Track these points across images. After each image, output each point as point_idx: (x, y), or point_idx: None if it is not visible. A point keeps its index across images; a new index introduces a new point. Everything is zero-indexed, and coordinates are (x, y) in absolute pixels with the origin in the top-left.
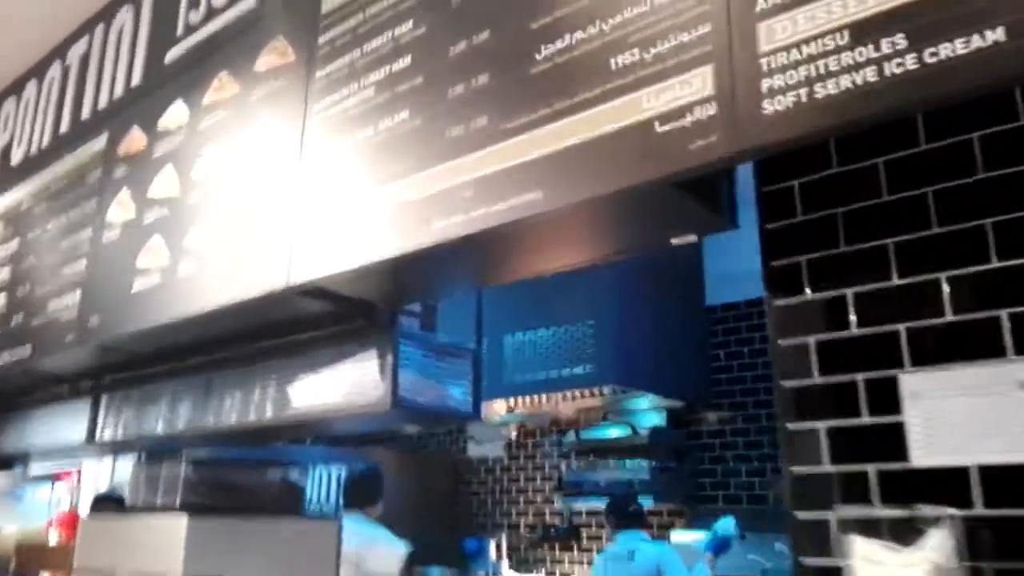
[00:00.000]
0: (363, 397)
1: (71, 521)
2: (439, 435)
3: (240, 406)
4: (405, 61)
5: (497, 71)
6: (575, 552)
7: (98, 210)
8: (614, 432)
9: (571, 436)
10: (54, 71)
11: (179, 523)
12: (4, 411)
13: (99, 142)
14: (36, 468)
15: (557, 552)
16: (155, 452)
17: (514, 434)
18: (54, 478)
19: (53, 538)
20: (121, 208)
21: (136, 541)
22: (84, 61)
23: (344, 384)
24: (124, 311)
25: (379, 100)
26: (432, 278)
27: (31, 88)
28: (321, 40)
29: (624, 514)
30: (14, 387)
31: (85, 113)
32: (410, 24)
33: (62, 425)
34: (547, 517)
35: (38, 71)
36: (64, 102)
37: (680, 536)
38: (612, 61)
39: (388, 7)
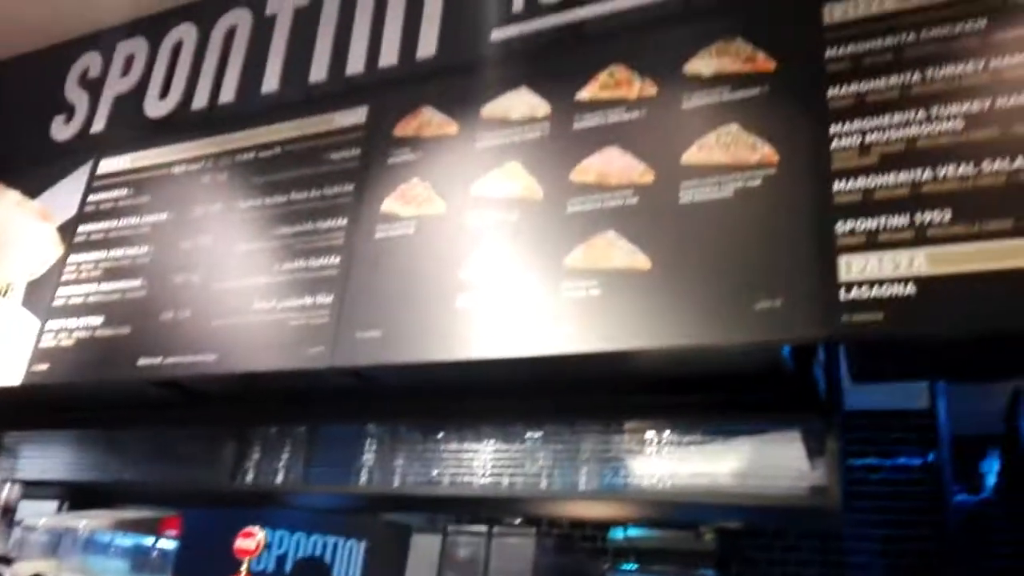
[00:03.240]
0: (780, 482)
1: None
2: None
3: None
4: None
5: None
6: None
7: (359, 198)
8: None
9: None
10: (275, 6)
11: None
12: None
13: (350, 115)
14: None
15: None
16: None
17: None
18: (157, 528)
19: None
20: (409, 200)
21: None
22: (314, 6)
23: (743, 462)
24: (435, 330)
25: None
26: None
27: (202, 24)
28: (831, 53)
29: None
30: (122, 399)
31: (316, 75)
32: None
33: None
34: None
35: (231, 1)
36: (268, 55)
37: None
38: None
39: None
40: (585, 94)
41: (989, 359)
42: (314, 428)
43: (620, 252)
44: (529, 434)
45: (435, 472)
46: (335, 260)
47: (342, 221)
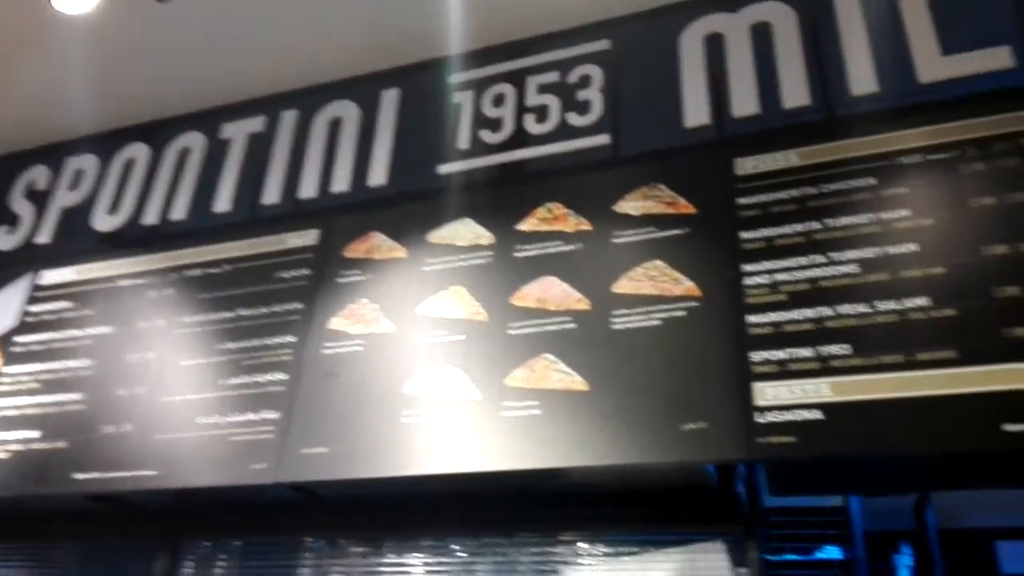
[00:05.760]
0: None
1: None
2: None
3: None
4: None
5: None
6: None
7: (308, 316)
8: None
9: None
10: (230, 131)
11: None
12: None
13: (302, 237)
14: None
15: None
16: None
17: None
18: None
19: None
20: (357, 319)
21: None
22: (268, 133)
23: None
24: (381, 447)
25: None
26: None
27: (154, 144)
28: (742, 201)
29: None
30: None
31: (269, 197)
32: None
33: None
34: None
35: (185, 124)
36: (222, 176)
37: None
38: None
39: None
40: (525, 226)
41: (892, 477)
42: (250, 541)
43: (558, 374)
44: (467, 546)
45: None
46: (283, 376)
47: (291, 338)
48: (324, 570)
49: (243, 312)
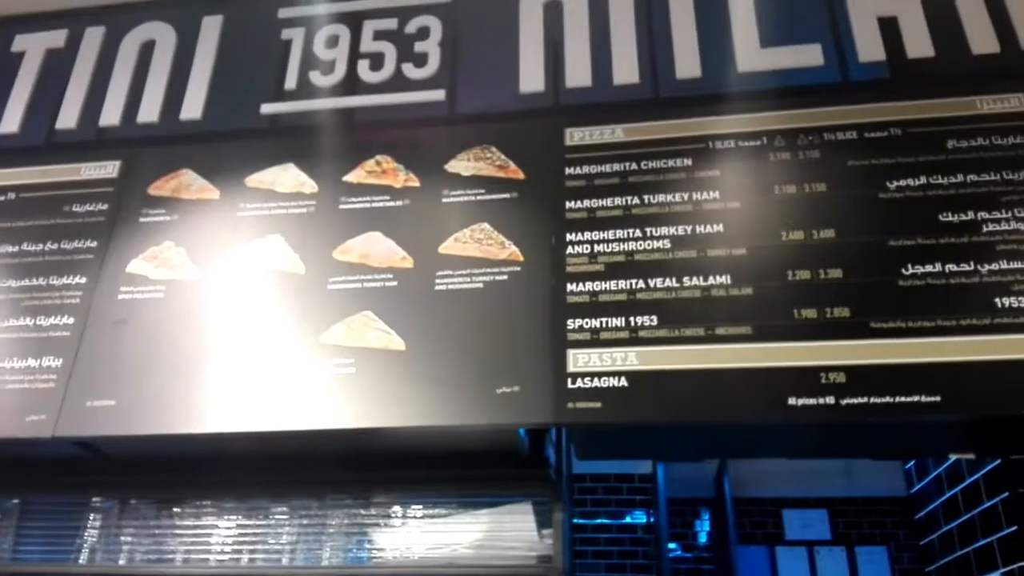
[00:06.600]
0: (513, 552)
1: None
2: None
3: (300, 549)
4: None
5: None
6: None
7: (102, 256)
8: None
9: None
10: (24, 43)
11: None
12: None
13: (101, 168)
14: None
15: None
16: None
17: None
18: None
19: None
20: (160, 263)
21: None
22: (69, 50)
23: (478, 535)
24: (178, 402)
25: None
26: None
27: None
28: (569, 171)
29: None
30: None
31: (65, 121)
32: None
33: None
34: None
35: None
36: (11, 93)
37: None
38: None
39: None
40: (352, 178)
41: (689, 444)
42: (28, 499)
43: (376, 332)
44: (273, 508)
45: (168, 549)
46: (69, 320)
47: (80, 279)
48: (114, 532)
49: (28, 247)
